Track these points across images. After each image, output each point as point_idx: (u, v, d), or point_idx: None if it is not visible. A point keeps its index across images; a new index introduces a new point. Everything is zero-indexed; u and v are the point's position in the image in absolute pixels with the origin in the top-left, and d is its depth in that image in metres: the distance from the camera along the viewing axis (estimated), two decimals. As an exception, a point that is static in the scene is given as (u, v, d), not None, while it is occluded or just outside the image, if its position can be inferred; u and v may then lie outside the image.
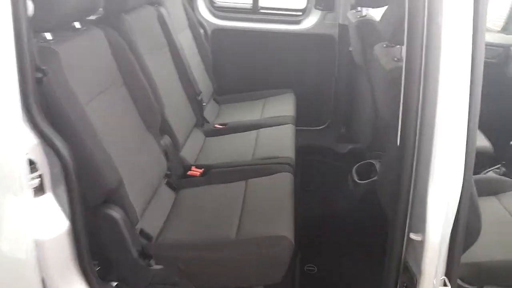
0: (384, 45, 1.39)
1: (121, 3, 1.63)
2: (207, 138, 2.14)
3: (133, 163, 1.39)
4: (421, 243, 0.95)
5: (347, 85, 2.63)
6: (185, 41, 2.30)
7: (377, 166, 1.96)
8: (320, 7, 2.60)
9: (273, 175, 1.66)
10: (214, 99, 2.60)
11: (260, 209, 1.47)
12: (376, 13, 2.00)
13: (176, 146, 1.78)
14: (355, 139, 2.68)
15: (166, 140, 1.72)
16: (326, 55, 2.65)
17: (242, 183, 1.64)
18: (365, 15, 1.97)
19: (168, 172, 1.66)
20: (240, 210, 1.47)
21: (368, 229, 1.93)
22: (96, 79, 1.35)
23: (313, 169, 2.47)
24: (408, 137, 0.93)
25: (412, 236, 0.96)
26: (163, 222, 1.46)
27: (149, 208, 1.43)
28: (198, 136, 2.10)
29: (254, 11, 2.75)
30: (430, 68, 0.87)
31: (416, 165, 0.94)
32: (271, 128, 2.13)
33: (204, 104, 2.21)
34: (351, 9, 2.38)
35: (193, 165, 1.80)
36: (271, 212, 1.44)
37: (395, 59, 1.24)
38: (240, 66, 2.76)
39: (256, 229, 1.35)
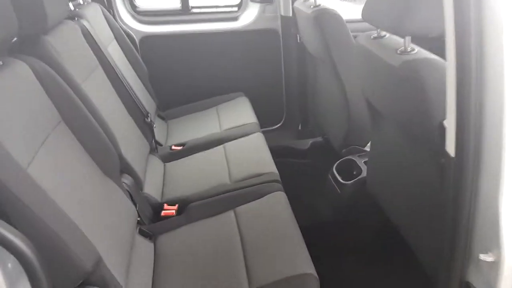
0: (373, 36, 1.24)
1: (39, 22, 1.27)
2: (166, 164, 1.85)
3: (101, 224, 1.09)
4: (495, 265, 0.81)
5: (299, 79, 2.49)
6: (115, 55, 1.96)
7: (358, 162, 1.86)
8: (257, 0, 2.40)
9: (263, 198, 1.44)
10: (159, 116, 2.28)
11: (264, 244, 1.24)
12: (327, 3, 1.86)
13: (138, 184, 1.48)
14: (315, 135, 2.57)
15: (126, 180, 1.41)
16: (271, 50, 2.47)
17: (230, 213, 1.40)
18: (319, 5, 1.81)
19: (139, 219, 1.36)
20: (241, 250, 1.23)
21: (364, 230, 1.81)
22: (32, 129, 1.02)
23: (280, 171, 2.30)
24: (467, 144, 0.78)
25: (483, 257, 0.82)
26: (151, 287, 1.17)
27: (131, 272, 1.13)
28: (155, 164, 1.79)
29: (185, 12, 2.46)
30: (490, 61, 0.72)
31: (477, 176, 0.80)
32: (238, 140, 1.90)
33: (155, 126, 1.90)
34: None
35: (164, 203, 1.51)
36: (279, 245, 1.22)
37: (398, 51, 1.08)
38: (180, 74, 2.46)
39: (271, 272, 1.12)
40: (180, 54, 2.43)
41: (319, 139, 2.52)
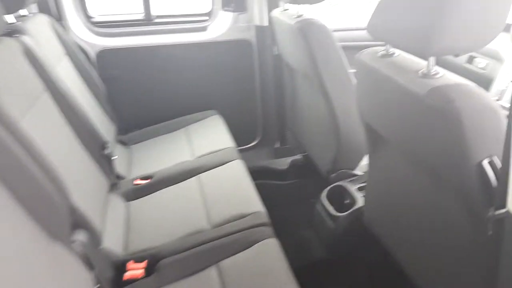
0: (381, 54, 1.04)
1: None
2: (130, 203, 1.57)
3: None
4: None
5: (276, 94, 2.28)
6: (66, 74, 1.67)
7: (350, 189, 1.66)
8: (229, 9, 2.16)
9: (252, 248, 1.19)
10: (120, 141, 2.00)
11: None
12: (309, 12, 1.66)
13: (96, 239, 1.20)
14: (294, 152, 2.37)
15: (80, 236, 1.13)
16: (244, 63, 2.24)
17: (212, 271, 1.14)
18: (302, 15, 1.60)
19: (97, 286, 1.09)
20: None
21: (361, 268, 1.62)
22: None
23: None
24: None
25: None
26: None
27: None
28: (117, 205, 1.51)
29: (148, 22, 2.19)
30: None
31: None
32: (215, 170, 1.65)
33: (114, 157, 1.61)
34: (270, 8, 2.02)
35: (129, 259, 1.23)
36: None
37: (420, 74, 0.88)
38: (143, 92, 2.18)
39: None
40: (143, 70, 2.16)
41: (299, 157, 2.32)
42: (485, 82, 1.79)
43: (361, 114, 1.24)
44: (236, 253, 1.18)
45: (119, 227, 1.39)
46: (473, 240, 0.87)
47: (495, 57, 1.79)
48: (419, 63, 0.94)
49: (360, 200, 1.55)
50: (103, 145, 1.56)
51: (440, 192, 0.96)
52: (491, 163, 0.79)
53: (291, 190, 2.20)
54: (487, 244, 0.81)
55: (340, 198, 1.67)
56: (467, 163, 0.80)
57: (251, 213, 1.35)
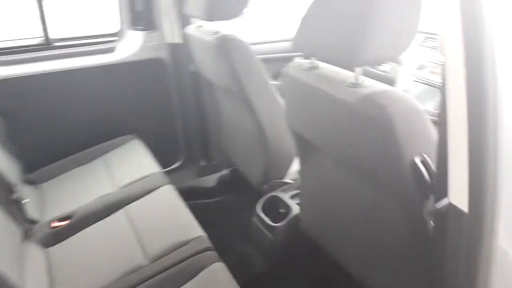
0: (307, 66, 1.06)
1: None
2: (49, 250, 1.38)
3: None
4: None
5: (197, 111, 2.23)
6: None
7: (284, 198, 1.68)
8: (139, 28, 2.07)
9: (199, 276, 1.13)
10: (27, 181, 1.77)
11: None
12: (225, 27, 1.65)
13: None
14: (221, 168, 2.34)
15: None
16: (160, 82, 2.16)
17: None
18: (218, 31, 1.59)
19: None
20: None
21: (306, 276, 1.63)
22: None
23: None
24: (484, 197, 0.63)
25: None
26: None
27: None
28: (34, 256, 1.32)
29: (47, 46, 1.99)
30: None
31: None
32: (144, 199, 1.54)
33: (25, 201, 1.42)
34: (183, 25, 1.98)
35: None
36: None
37: (348, 84, 0.92)
38: (49, 123, 1.97)
39: None
40: (46, 98, 1.95)
41: (226, 172, 2.30)
42: (387, 83, 1.96)
43: (290, 125, 1.26)
44: (183, 284, 1.11)
45: (42, 281, 1.22)
46: (414, 235, 0.93)
47: (395, 60, 1.97)
48: (344, 73, 0.99)
49: (294, 208, 1.57)
50: (10, 189, 1.37)
51: (377, 193, 1.01)
52: (423, 161, 0.85)
53: (223, 207, 2.16)
54: (429, 237, 0.86)
55: (275, 208, 1.68)
56: (401, 163, 0.85)
57: (192, 239, 1.28)
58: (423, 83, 1.82)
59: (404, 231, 0.97)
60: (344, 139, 0.99)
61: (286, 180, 1.80)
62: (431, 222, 0.81)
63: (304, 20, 0.98)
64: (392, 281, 1.07)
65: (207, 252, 1.23)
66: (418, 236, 0.90)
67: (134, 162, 1.83)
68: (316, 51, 0.96)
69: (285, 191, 1.71)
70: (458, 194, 0.67)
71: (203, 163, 2.39)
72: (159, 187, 1.60)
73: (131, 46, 2.09)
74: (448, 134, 0.66)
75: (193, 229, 1.33)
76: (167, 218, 1.43)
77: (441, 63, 1.77)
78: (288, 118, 1.25)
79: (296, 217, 1.54)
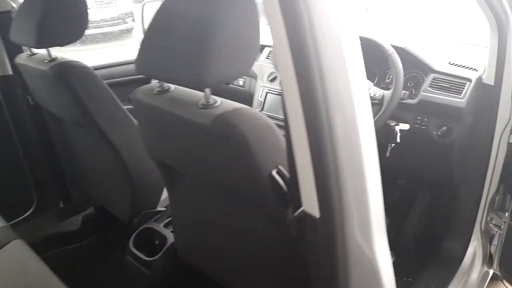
0: (157, 91, 1.01)
1: None
2: None
3: None
4: None
5: (44, 149, 1.97)
6: None
7: (158, 228, 1.58)
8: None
9: None
10: None
11: None
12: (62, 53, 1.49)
13: None
14: (83, 208, 2.11)
15: None
16: None
17: None
18: (56, 58, 1.43)
19: None
20: None
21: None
22: None
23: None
24: (331, 200, 0.68)
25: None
26: None
27: None
28: None
29: None
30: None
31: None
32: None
33: None
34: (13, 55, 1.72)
35: None
36: None
37: (200, 105, 0.90)
38: None
39: None
40: None
41: (90, 210, 2.08)
42: (247, 97, 2.04)
43: (150, 152, 1.20)
44: None
45: None
46: (282, 244, 0.95)
47: (249, 75, 2.06)
48: (197, 94, 0.97)
49: (170, 236, 1.50)
50: None
51: (244, 209, 1.02)
52: (279, 172, 0.88)
53: (92, 250, 1.94)
54: (294, 243, 0.90)
55: (151, 241, 1.58)
56: (260, 178, 0.87)
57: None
58: (276, 93, 1.95)
59: (273, 241, 0.99)
60: (203, 161, 0.97)
61: (159, 208, 1.71)
62: (294, 229, 0.84)
63: (145, 41, 0.93)
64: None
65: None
66: (286, 243, 0.94)
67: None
68: (161, 74, 0.92)
69: (158, 220, 1.62)
70: (309, 202, 0.70)
71: (61, 205, 2.12)
72: (5, 244, 1.35)
73: None
74: (293, 144, 0.69)
75: (52, 288, 1.15)
76: (19, 281, 1.20)
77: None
78: (147, 145, 1.18)
79: (172, 246, 1.47)
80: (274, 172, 0.88)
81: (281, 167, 0.88)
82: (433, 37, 2.22)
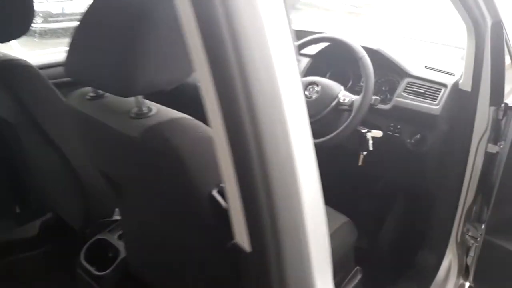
0: (90, 96, 0.89)
1: None
2: None
3: None
4: None
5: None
6: None
7: (111, 239, 1.47)
8: None
9: None
10: None
11: None
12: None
13: None
14: (42, 212, 1.98)
15: None
16: None
17: None
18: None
19: None
20: None
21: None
22: None
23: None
24: (264, 233, 0.58)
25: None
26: None
27: None
28: None
29: None
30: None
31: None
32: None
33: None
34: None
35: None
36: None
37: (132, 115, 0.79)
38: None
39: None
40: None
41: (49, 215, 1.96)
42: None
43: (90, 162, 1.09)
44: None
45: None
46: (223, 267, 0.85)
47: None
48: (132, 102, 0.86)
49: (123, 249, 1.39)
50: None
51: (185, 229, 0.92)
52: (221, 192, 0.78)
53: (46, 260, 1.82)
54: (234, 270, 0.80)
55: (104, 253, 1.47)
56: (199, 197, 0.77)
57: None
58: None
59: (221, 261, 0.89)
60: (137, 176, 0.87)
61: (116, 217, 1.60)
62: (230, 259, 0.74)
63: (74, 40, 0.82)
64: None
65: None
66: (226, 268, 0.83)
67: None
68: (88, 78, 0.81)
69: (112, 231, 1.51)
70: (239, 233, 0.60)
71: (18, 210, 1.99)
72: None
73: None
74: (220, 166, 0.58)
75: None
76: None
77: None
78: (86, 155, 1.07)
79: (124, 259, 1.36)
80: (214, 192, 0.78)
81: (224, 186, 0.78)
82: (413, 38, 2.14)
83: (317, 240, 0.62)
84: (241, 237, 0.60)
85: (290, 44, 0.55)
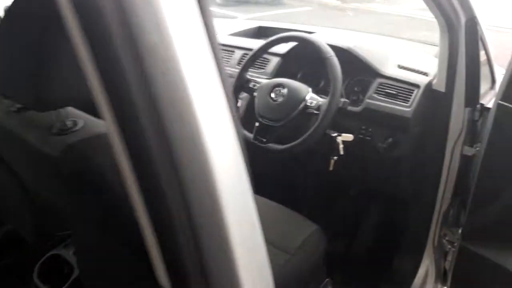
0: (16, 108, 0.80)
1: None
2: None
3: None
4: None
5: None
6: None
7: (67, 255, 1.38)
8: None
9: None
10: None
11: None
12: None
13: None
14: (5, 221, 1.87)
15: None
16: None
17: None
18: None
19: None
20: None
21: None
22: None
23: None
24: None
25: None
26: None
27: None
28: None
29: None
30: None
31: None
32: None
33: None
34: None
35: None
36: None
37: (54, 131, 0.70)
38: None
39: None
40: None
41: (9, 226, 1.86)
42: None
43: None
44: None
45: None
46: None
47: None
48: (58, 114, 0.77)
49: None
50: None
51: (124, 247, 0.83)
52: None
53: (4, 275, 1.72)
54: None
55: (60, 270, 1.37)
56: (125, 221, 0.68)
57: None
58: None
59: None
60: (64, 197, 0.77)
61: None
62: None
63: None
64: None
65: None
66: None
67: None
68: (4, 88, 0.71)
69: (68, 246, 1.41)
70: (159, 272, 0.52)
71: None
72: None
73: None
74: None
75: None
76: None
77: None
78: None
79: (78, 278, 1.27)
80: None
81: None
82: (390, 35, 2.07)
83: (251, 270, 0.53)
84: (161, 276, 0.52)
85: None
